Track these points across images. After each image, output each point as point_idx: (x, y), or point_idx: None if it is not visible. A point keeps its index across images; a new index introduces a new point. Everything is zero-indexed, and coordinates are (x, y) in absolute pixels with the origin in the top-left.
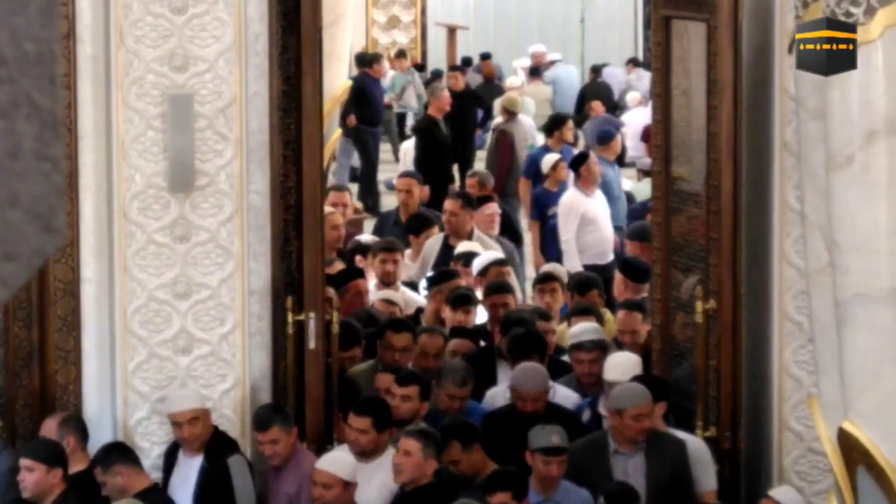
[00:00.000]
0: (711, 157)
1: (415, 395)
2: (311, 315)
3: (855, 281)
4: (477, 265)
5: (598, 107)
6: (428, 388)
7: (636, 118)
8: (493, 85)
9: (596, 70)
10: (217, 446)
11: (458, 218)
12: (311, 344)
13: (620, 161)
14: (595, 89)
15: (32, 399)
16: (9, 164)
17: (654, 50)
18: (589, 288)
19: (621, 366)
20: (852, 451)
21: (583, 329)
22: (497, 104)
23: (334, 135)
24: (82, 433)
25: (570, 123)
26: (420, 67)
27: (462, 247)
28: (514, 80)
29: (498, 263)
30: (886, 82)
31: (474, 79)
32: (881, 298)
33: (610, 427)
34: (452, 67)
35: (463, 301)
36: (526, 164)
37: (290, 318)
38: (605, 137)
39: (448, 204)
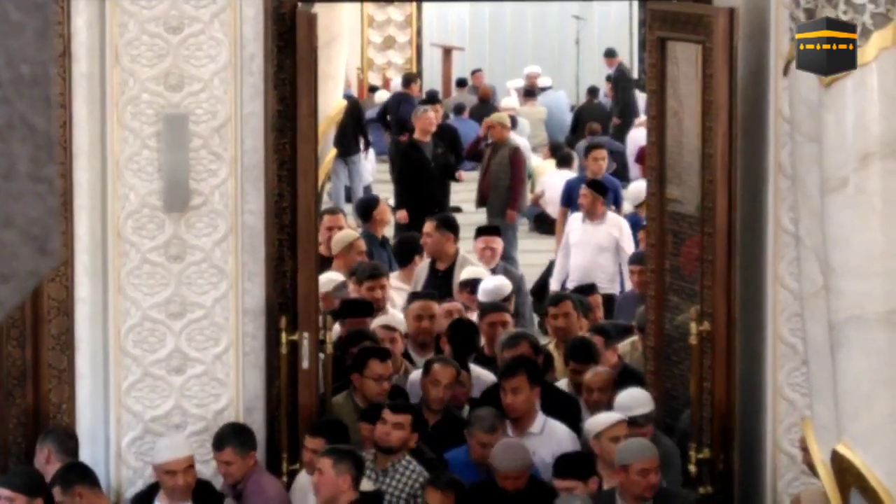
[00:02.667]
0: (706, 178)
1: (407, 424)
2: (305, 335)
3: (849, 303)
4: (493, 293)
5: (596, 128)
6: (421, 418)
7: (634, 139)
8: (488, 105)
9: (592, 91)
10: (204, 492)
11: (432, 239)
12: (305, 364)
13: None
14: (591, 110)
15: (26, 418)
16: (4, 185)
17: (649, 71)
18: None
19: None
20: (846, 474)
21: (633, 400)
22: (486, 124)
23: (329, 155)
24: (61, 444)
25: (598, 153)
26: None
27: (467, 273)
28: (509, 100)
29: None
30: (881, 105)
31: (469, 99)
32: (875, 321)
33: (618, 484)
34: (425, 101)
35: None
36: (563, 194)
37: (283, 338)
38: None
39: (426, 226)
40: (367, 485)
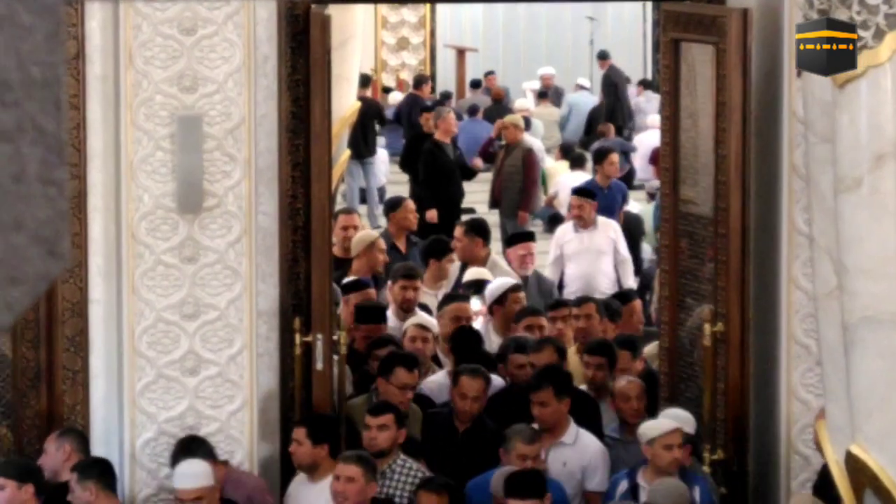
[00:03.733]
0: (720, 179)
1: (391, 423)
2: (319, 336)
3: (863, 304)
4: (491, 293)
5: (610, 129)
6: (402, 416)
7: (648, 140)
8: (501, 106)
9: None
10: None
11: (461, 244)
12: (319, 365)
13: (629, 183)
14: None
15: (40, 419)
16: (14, 188)
17: (663, 73)
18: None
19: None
20: (860, 475)
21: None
22: (499, 125)
23: (343, 156)
24: (81, 443)
25: (614, 157)
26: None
27: (471, 273)
28: (524, 101)
29: (513, 290)
30: (895, 105)
31: (483, 101)
32: (889, 321)
33: None
34: (425, 108)
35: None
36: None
37: (297, 339)
38: None
39: (455, 231)
40: None
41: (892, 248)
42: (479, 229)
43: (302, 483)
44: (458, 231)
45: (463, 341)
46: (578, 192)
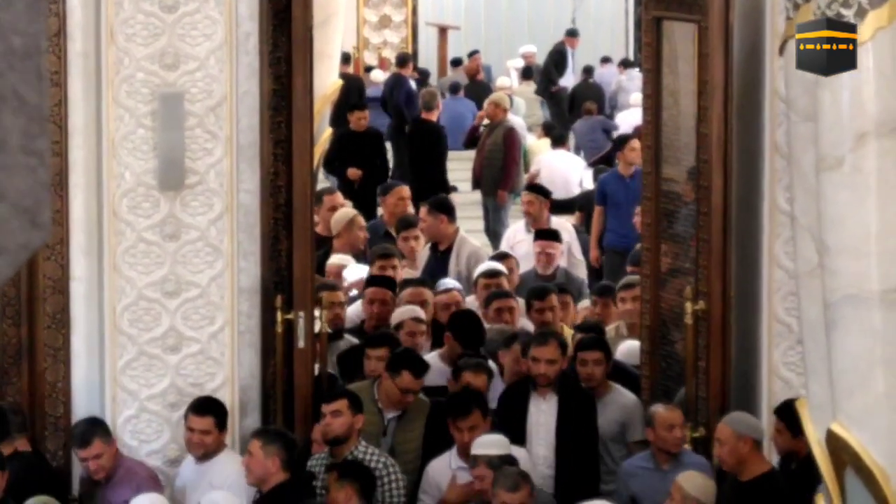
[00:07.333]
0: (702, 158)
1: (344, 409)
2: (301, 314)
3: (844, 282)
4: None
5: (593, 107)
6: (358, 402)
7: (630, 119)
8: (479, 84)
9: (588, 71)
10: None
11: (426, 224)
12: (300, 343)
13: (611, 163)
14: (586, 90)
15: (21, 397)
16: None
17: (644, 51)
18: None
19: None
20: (841, 453)
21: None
22: (487, 103)
23: (324, 134)
24: None
25: (635, 143)
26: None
27: (469, 261)
28: (505, 80)
29: (488, 276)
30: (877, 84)
31: (465, 79)
32: (870, 300)
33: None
34: (355, 106)
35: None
36: (597, 192)
37: (279, 316)
38: None
39: (420, 211)
40: None
41: (873, 226)
42: (441, 206)
43: (190, 463)
44: (423, 211)
45: (463, 326)
46: (531, 188)
